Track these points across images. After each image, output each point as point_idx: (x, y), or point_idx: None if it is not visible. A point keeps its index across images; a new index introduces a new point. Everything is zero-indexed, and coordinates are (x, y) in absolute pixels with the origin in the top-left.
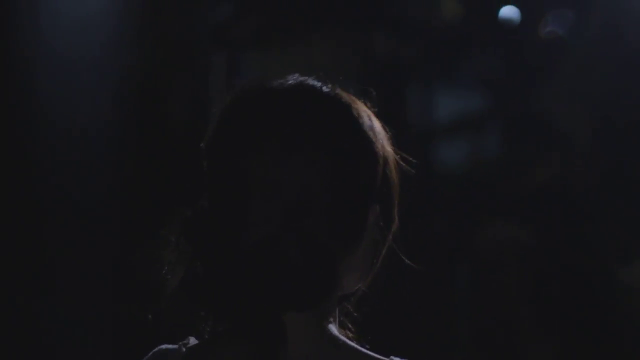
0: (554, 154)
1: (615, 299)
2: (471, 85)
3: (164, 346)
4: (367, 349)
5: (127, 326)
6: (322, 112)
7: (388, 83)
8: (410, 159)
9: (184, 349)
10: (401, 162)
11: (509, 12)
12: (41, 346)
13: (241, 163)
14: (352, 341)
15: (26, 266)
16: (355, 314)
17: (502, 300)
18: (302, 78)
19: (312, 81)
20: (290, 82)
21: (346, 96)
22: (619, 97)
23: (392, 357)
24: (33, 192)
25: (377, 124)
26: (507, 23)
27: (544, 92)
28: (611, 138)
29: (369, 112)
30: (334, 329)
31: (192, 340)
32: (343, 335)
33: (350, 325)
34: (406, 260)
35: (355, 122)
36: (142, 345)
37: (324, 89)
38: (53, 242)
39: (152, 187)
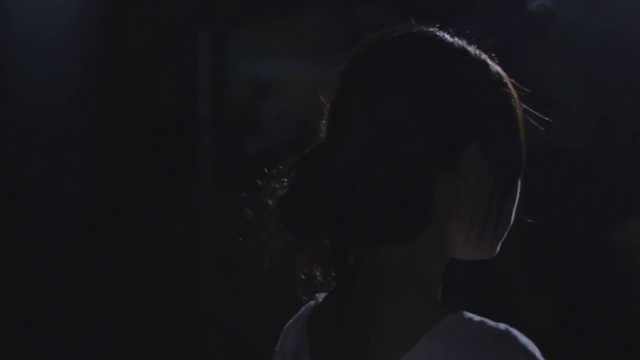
0: (545, 117)
1: (611, 257)
2: None
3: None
4: None
5: None
6: (413, 51)
7: None
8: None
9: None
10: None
11: None
12: None
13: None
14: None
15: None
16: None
17: (499, 263)
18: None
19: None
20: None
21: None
22: (609, 58)
23: (463, 312)
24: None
25: (492, 66)
26: None
27: (534, 55)
28: (602, 100)
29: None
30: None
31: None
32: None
33: None
34: (525, 218)
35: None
36: None
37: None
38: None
39: (141, 162)
